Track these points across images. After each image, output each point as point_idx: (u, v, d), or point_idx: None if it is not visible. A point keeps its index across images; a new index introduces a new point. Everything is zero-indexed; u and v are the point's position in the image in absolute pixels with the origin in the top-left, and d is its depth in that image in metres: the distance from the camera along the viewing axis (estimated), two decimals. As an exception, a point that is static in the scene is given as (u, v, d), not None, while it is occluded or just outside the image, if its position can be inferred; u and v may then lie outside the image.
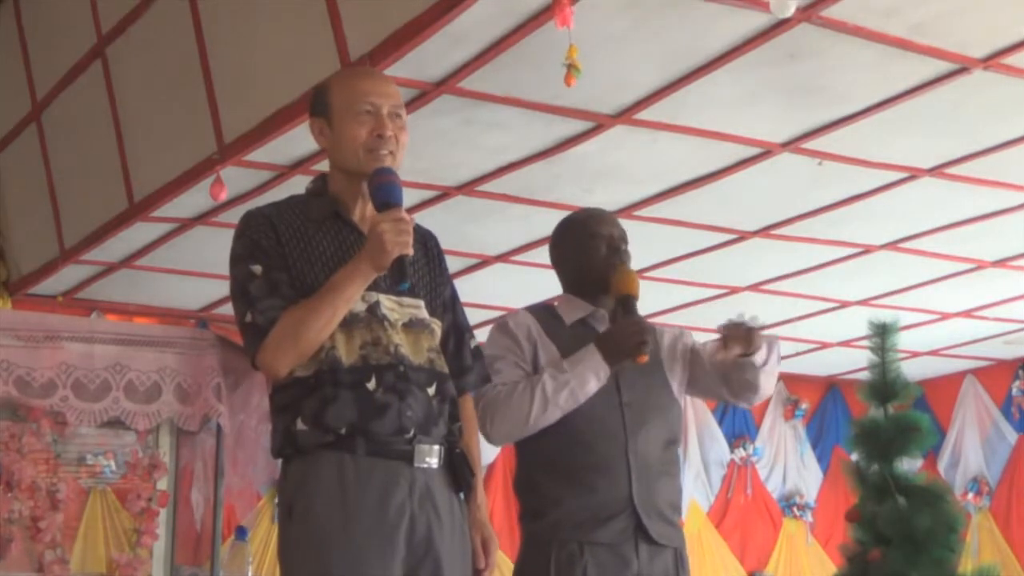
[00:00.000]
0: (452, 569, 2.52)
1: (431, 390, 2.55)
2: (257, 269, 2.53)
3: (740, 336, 3.04)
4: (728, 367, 3.12)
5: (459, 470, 2.59)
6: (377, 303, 2.53)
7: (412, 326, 2.58)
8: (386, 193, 2.50)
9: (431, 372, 2.57)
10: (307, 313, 2.45)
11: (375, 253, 2.44)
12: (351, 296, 2.47)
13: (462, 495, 2.63)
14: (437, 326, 2.65)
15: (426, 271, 2.68)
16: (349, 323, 2.49)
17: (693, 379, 3.23)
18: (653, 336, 3.14)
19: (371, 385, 2.48)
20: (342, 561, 2.41)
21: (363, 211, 2.62)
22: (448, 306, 2.73)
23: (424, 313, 2.62)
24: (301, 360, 2.48)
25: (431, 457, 2.53)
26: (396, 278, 2.50)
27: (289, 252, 2.54)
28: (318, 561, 2.43)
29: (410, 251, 2.47)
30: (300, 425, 2.47)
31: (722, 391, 3.23)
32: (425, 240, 2.73)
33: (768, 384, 3.16)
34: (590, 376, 2.94)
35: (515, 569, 3.07)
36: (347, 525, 2.42)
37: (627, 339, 2.94)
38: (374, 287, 2.52)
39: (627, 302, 3.03)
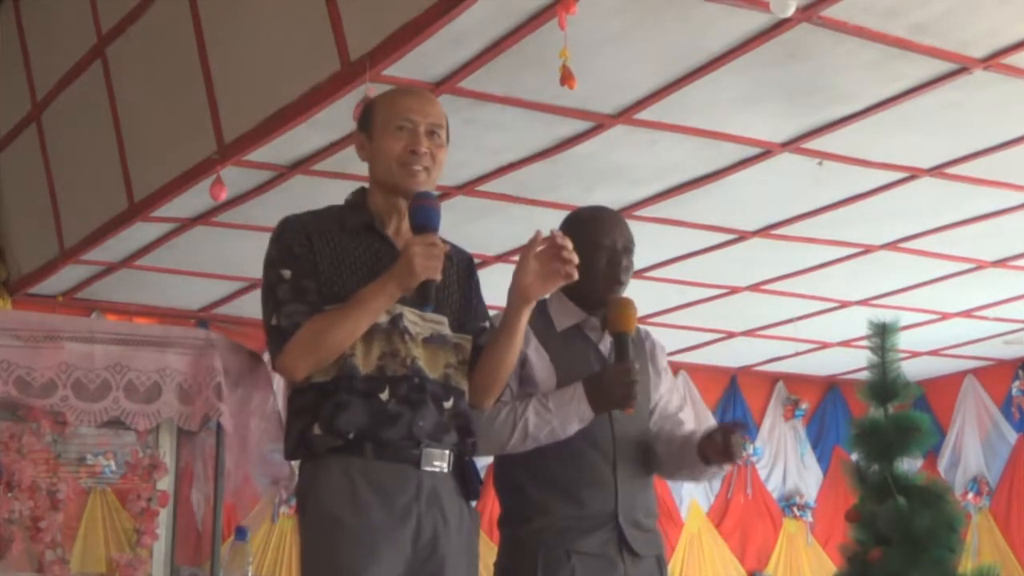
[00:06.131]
0: (456, 574, 2.54)
1: (447, 404, 2.58)
2: (287, 274, 2.56)
3: (722, 452, 3.00)
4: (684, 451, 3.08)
5: (468, 477, 2.62)
6: (400, 315, 2.56)
7: (432, 341, 2.61)
8: (424, 216, 2.53)
9: (446, 387, 2.60)
10: (330, 323, 2.49)
11: (403, 274, 2.48)
12: (376, 311, 2.51)
13: (472, 503, 2.66)
14: (466, 342, 2.67)
15: (455, 288, 2.71)
16: (370, 333, 2.52)
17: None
18: (644, 356, 3.14)
19: (384, 396, 2.51)
20: (349, 553, 2.45)
21: (398, 226, 2.65)
22: (488, 330, 2.75)
23: (447, 330, 2.64)
24: (319, 367, 2.51)
25: (440, 461, 2.55)
26: (420, 301, 2.53)
27: (320, 260, 2.57)
28: (328, 553, 2.47)
29: (438, 276, 2.50)
30: (316, 430, 2.51)
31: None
32: (459, 262, 2.75)
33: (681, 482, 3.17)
34: (574, 419, 2.93)
35: (499, 570, 3.03)
36: (355, 517, 2.46)
37: (617, 389, 2.90)
38: (400, 299, 2.54)
39: (622, 341, 2.96)
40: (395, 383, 2.52)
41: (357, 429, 2.48)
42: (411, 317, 2.57)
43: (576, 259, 2.60)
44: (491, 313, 2.77)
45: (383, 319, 2.53)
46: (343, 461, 2.49)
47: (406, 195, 2.61)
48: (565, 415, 2.92)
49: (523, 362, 3.00)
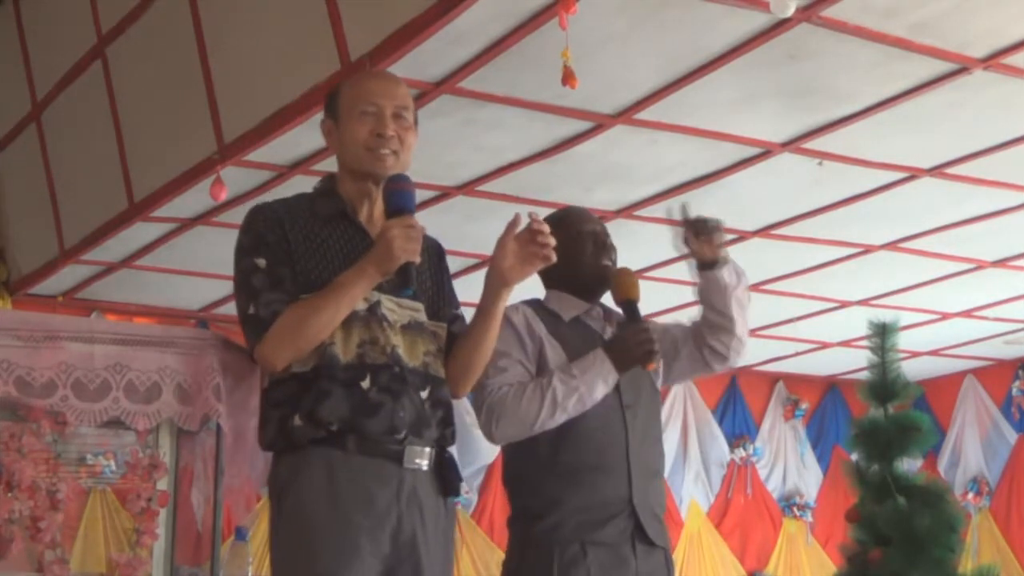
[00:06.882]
0: (432, 573, 2.53)
1: (424, 393, 2.57)
2: (261, 263, 2.54)
3: (706, 230, 3.15)
4: (703, 302, 3.21)
5: (448, 474, 2.61)
6: (378, 303, 2.55)
7: (410, 328, 2.59)
8: (399, 200, 2.53)
9: (425, 375, 2.59)
10: (310, 311, 2.47)
11: (382, 257, 2.46)
12: (355, 297, 2.49)
13: (450, 500, 2.65)
14: (441, 329, 2.66)
15: (428, 275, 2.70)
16: (349, 321, 2.50)
17: (669, 360, 3.23)
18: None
19: (365, 384, 2.50)
20: (328, 554, 2.43)
21: (370, 212, 2.64)
22: (461, 317, 2.76)
23: (423, 316, 2.63)
24: (299, 356, 2.49)
25: (421, 459, 2.54)
26: (401, 284, 2.51)
27: (295, 248, 2.55)
28: (306, 554, 2.45)
29: (417, 259, 2.49)
30: (296, 420, 2.49)
31: (699, 352, 3.27)
32: (430, 248, 2.74)
33: (742, 320, 3.26)
34: (599, 383, 2.96)
35: (509, 571, 3.03)
36: (334, 519, 2.44)
37: (637, 347, 2.96)
38: (376, 287, 2.53)
39: (631, 307, 3.05)
40: (376, 371, 2.51)
41: (340, 420, 2.46)
42: (388, 304, 2.56)
43: (553, 241, 2.60)
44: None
45: (361, 306, 2.51)
46: (326, 455, 2.47)
47: (376, 180, 2.60)
48: (591, 379, 2.95)
49: (540, 346, 3.02)
